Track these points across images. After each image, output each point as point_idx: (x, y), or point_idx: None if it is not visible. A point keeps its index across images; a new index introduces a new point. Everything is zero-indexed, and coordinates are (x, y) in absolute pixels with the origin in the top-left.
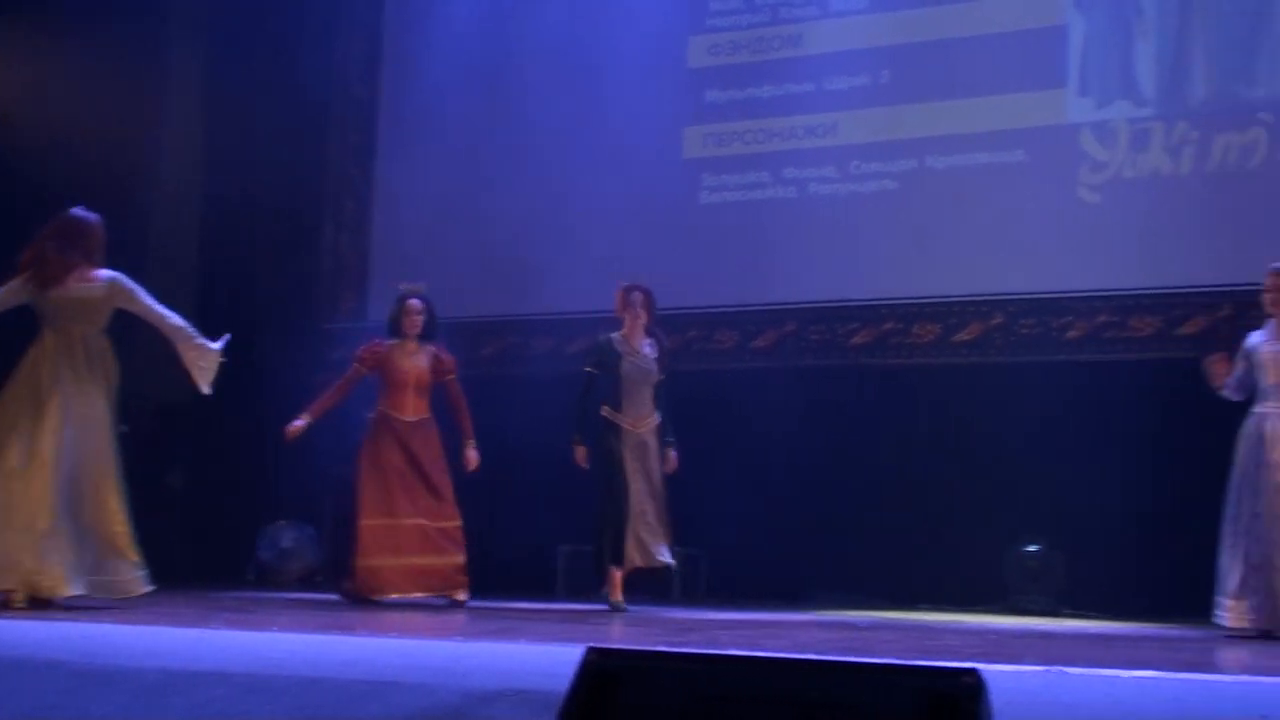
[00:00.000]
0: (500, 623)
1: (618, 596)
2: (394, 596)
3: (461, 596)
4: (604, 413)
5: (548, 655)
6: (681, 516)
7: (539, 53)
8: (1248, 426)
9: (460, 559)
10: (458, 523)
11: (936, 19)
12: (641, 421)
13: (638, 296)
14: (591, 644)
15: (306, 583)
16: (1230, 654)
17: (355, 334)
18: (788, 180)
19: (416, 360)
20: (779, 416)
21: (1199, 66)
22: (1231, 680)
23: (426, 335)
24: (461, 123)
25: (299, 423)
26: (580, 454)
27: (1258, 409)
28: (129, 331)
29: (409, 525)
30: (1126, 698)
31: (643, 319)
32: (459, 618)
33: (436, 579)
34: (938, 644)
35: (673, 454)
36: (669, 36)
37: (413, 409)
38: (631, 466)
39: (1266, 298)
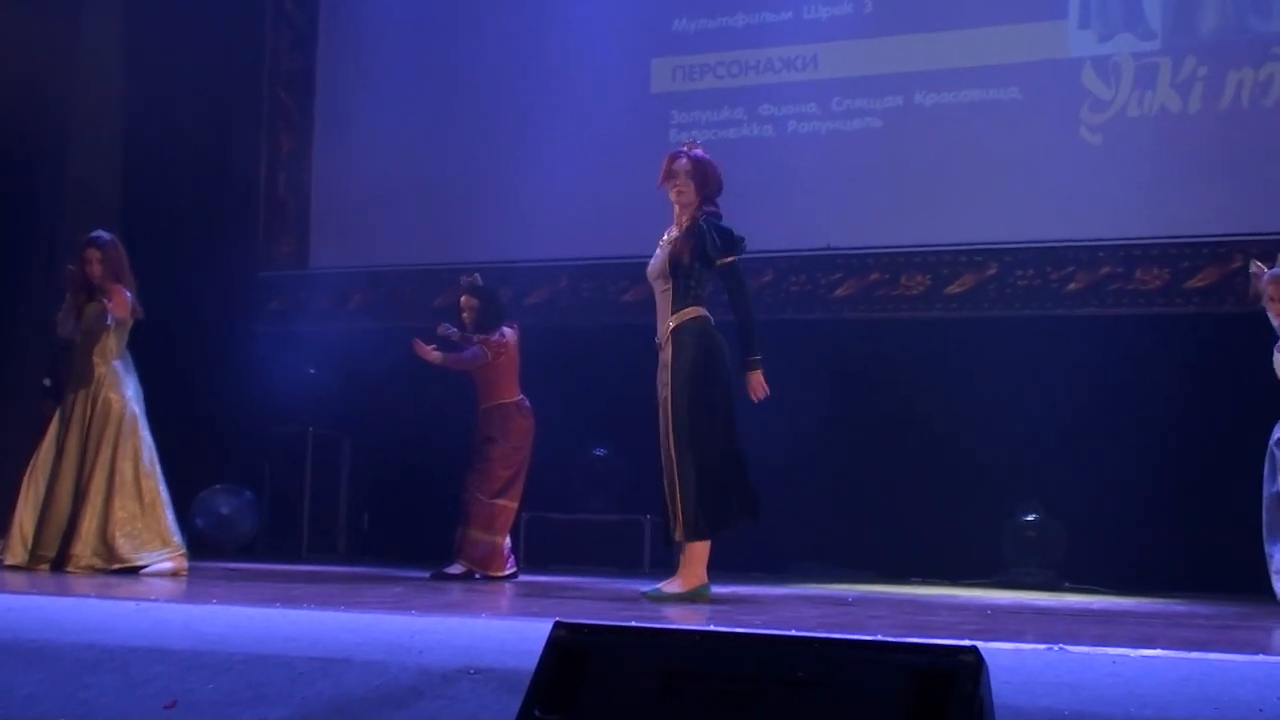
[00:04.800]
0: (455, 596)
1: None
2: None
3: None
4: None
5: (511, 630)
6: (647, 481)
7: None
8: None
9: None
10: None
11: None
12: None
13: None
14: (559, 618)
15: (247, 552)
16: (1241, 633)
17: (294, 282)
18: (764, 117)
19: None
20: None
21: None
22: (1245, 660)
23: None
24: (409, 50)
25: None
26: None
27: None
28: None
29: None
30: (1133, 677)
31: None
32: (408, 591)
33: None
34: (932, 620)
35: None
36: None
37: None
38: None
39: (1272, 307)
